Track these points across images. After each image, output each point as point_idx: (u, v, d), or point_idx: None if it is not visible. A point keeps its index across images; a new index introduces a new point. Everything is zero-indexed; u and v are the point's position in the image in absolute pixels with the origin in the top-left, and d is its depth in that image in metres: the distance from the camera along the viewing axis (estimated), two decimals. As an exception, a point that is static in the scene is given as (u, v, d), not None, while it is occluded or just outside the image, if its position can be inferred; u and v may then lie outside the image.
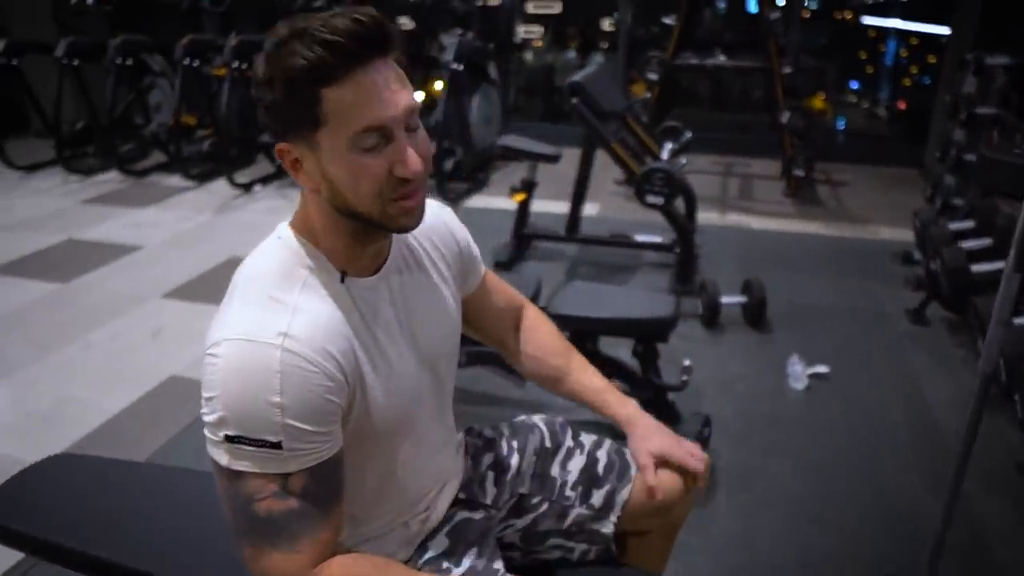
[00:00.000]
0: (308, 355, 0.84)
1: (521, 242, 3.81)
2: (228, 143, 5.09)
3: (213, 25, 5.27)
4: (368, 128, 0.84)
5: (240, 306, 0.87)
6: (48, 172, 5.54)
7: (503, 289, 1.29)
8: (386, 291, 0.99)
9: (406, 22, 5.54)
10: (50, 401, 2.61)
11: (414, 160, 0.87)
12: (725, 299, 3.09)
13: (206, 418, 0.85)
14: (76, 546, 1.10)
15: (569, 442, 1.27)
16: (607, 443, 1.28)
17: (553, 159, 3.46)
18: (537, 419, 1.31)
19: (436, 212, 1.12)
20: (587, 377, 1.28)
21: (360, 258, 0.95)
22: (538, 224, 3.86)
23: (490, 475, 1.22)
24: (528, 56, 7.25)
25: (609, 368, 2.40)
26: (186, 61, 4.88)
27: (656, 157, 3.63)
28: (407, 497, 1.08)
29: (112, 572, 1.08)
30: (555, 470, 1.24)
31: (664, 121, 4.32)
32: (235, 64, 4.73)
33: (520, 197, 3.72)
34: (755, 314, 3.06)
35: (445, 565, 1.07)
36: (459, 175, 5.10)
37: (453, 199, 4.82)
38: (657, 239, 3.60)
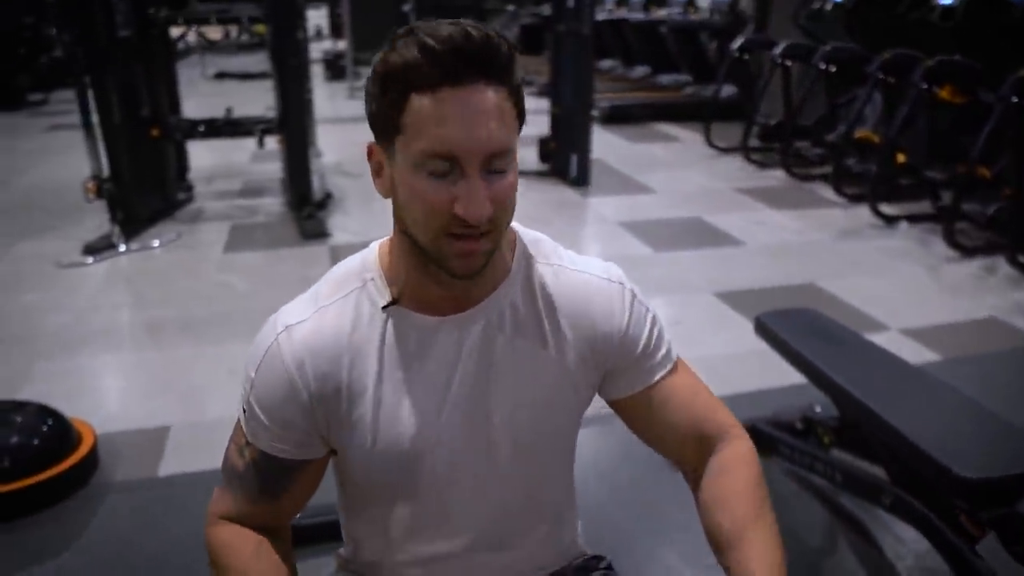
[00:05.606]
0: (287, 358, 0.84)
1: None
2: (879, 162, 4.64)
3: (931, 40, 4.72)
4: (435, 152, 0.74)
5: (307, 291, 0.90)
6: (727, 157, 6.09)
7: (689, 404, 0.96)
8: (453, 340, 0.86)
9: None
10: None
11: (479, 205, 0.74)
12: None
13: None
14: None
15: None
16: None
17: None
18: None
19: (586, 285, 0.91)
20: (752, 563, 0.84)
21: (424, 293, 0.85)
22: None
23: None
24: None
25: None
26: (880, 75, 4.58)
27: None
28: (427, 569, 0.96)
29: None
30: None
31: None
32: (923, 85, 4.22)
33: None
34: None
35: None
36: None
37: None
38: None
